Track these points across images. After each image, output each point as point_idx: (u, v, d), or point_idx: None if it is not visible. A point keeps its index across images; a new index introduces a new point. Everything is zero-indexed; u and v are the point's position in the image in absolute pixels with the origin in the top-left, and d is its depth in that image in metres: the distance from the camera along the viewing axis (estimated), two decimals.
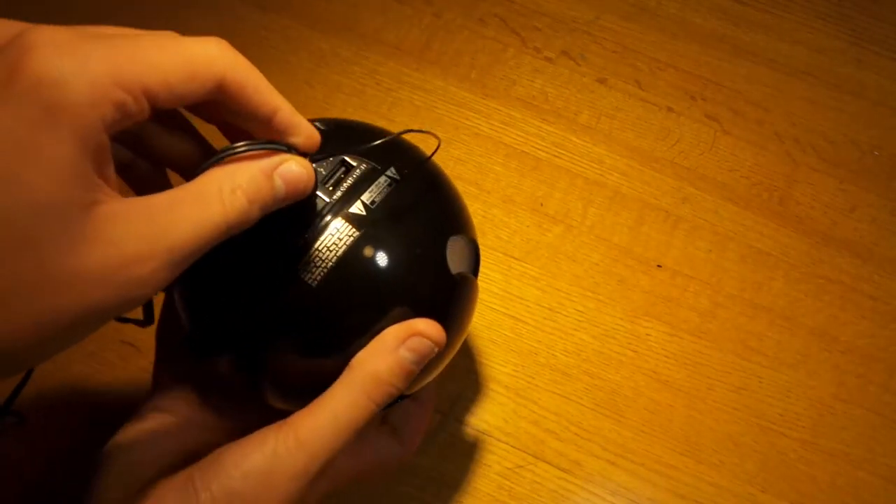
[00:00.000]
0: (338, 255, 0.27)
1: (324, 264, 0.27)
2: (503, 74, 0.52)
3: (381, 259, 0.28)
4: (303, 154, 0.27)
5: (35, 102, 0.20)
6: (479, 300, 0.45)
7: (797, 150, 0.51)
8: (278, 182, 0.25)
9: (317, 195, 0.28)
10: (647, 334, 0.45)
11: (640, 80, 0.53)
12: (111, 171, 0.22)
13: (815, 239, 0.48)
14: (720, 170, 0.50)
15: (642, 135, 0.51)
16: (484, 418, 0.42)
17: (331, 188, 0.29)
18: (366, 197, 0.29)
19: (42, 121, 0.20)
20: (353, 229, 0.28)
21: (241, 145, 0.25)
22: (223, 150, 0.25)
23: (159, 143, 0.29)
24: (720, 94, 0.52)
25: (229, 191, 0.23)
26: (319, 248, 0.28)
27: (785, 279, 0.47)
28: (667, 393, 0.43)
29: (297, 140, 0.26)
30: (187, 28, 0.53)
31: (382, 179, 0.29)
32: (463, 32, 0.54)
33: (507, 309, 0.45)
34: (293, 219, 0.27)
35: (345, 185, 0.29)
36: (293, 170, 0.25)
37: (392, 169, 0.30)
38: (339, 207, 0.28)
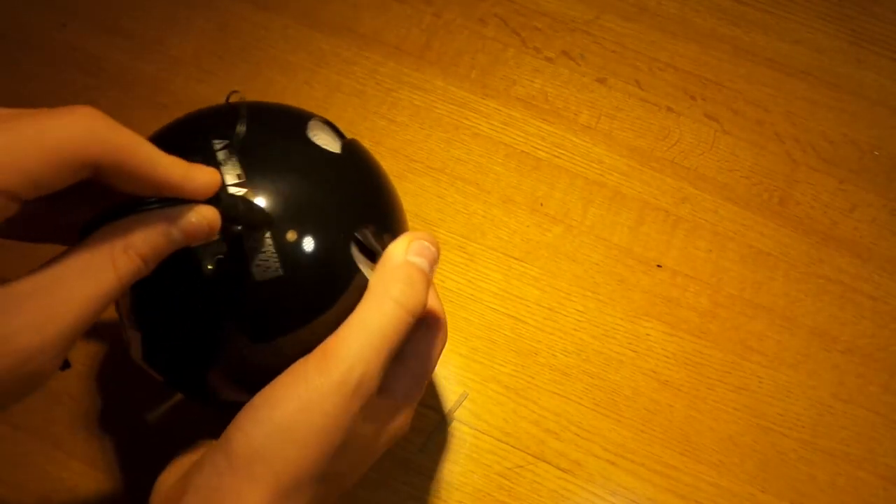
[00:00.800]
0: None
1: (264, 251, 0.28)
2: (503, 74, 0.52)
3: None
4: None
5: None
6: (479, 300, 0.45)
7: (797, 149, 0.51)
8: (177, 236, 0.25)
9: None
10: (647, 334, 0.45)
11: (639, 79, 0.53)
12: None
13: (814, 239, 0.48)
14: (720, 170, 0.50)
15: (642, 135, 0.51)
16: (484, 418, 0.42)
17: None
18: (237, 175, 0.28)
19: None
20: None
21: (127, 206, 0.24)
22: (113, 209, 0.24)
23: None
24: (720, 94, 0.52)
25: (121, 251, 0.23)
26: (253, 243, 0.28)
27: (785, 279, 0.47)
28: (667, 393, 0.43)
29: (192, 190, 0.25)
30: (188, 28, 0.53)
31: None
32: (463, 32, 0.54)
33: (507, 309, 0.45)
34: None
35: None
36: (192, 222, 0.25)
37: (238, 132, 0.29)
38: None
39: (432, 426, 0.42)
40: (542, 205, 0.48)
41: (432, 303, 0.32)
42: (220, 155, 0.28)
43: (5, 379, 0.21)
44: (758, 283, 0.46)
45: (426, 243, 0.30)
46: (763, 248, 0.47)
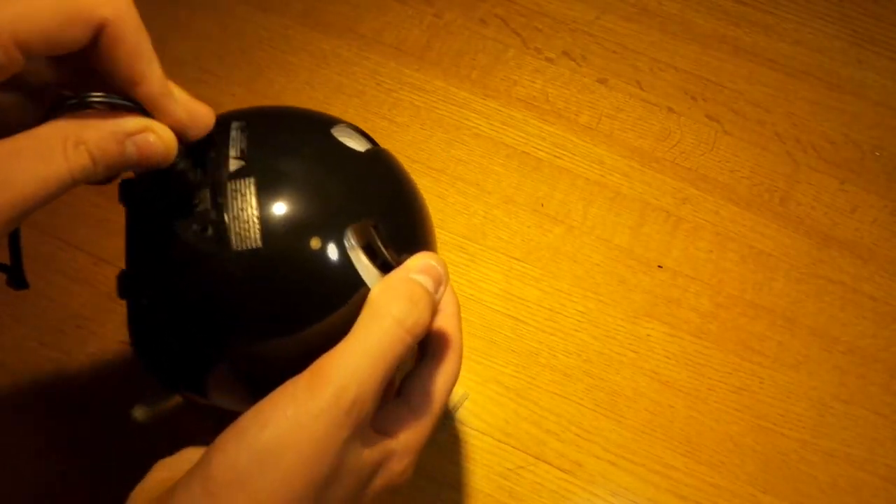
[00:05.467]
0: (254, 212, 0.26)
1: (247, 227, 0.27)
2: (504, 75, 0.52)
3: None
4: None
5: None
6: (480, 300, 0.45)
7: (798, 150, 0.51)
8: (130, 149, 0.24)
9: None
10: (648, 335, 0.45)
11: (640, 80, 0.53)
12: None
13: (815, 239, 0.48)
14: (721, 170, 0.50)
15: (643, 135, 0.51)
16: (485, 419, 0.42)
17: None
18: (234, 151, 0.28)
19: None
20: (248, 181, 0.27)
21: (97, 96, 0.23)
22: (77, 97, 0.23)
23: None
24: (721, 95, 0.52)
25: (73, 145, 0.22)
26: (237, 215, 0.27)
27: (786, 280, 0.47)
28: (668, 394, 0.43)
29: (171, 107, 0.25)
30: (188, 28, 0.53)
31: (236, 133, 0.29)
32: (464, 33, 0.54)
33: (508, 309, 0.45)
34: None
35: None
36: (150, 141, 0.24)
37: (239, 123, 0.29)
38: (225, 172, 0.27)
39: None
40: (542, 205, 0.48)
41: (446, 328, 0.31)
42: (234, 132, 0.28)
43: None
44: (759, 283, 0.46)
45: (432, 262, 0.28)
46: (764, 248, 0.47)
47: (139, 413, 0.37)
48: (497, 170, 0.49)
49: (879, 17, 0.55)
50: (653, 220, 0.48)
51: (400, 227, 0.30)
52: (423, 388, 0.30)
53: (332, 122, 0.32)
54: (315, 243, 0.27)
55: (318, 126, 0.31)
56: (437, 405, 0.30)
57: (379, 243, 0.28)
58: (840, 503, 0.41)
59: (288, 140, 0.29)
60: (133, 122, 0.24)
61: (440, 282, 0.28)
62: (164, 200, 0.27)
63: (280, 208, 0.27)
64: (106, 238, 0.45)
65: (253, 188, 0.27)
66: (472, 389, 0.43)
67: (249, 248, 0.26)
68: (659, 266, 0.47)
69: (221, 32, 0.53)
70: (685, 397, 0.43)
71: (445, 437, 0.42)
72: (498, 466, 0.41)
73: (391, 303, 0.26)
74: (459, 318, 0.32)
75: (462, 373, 0.43)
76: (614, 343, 0.44)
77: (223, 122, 0.28)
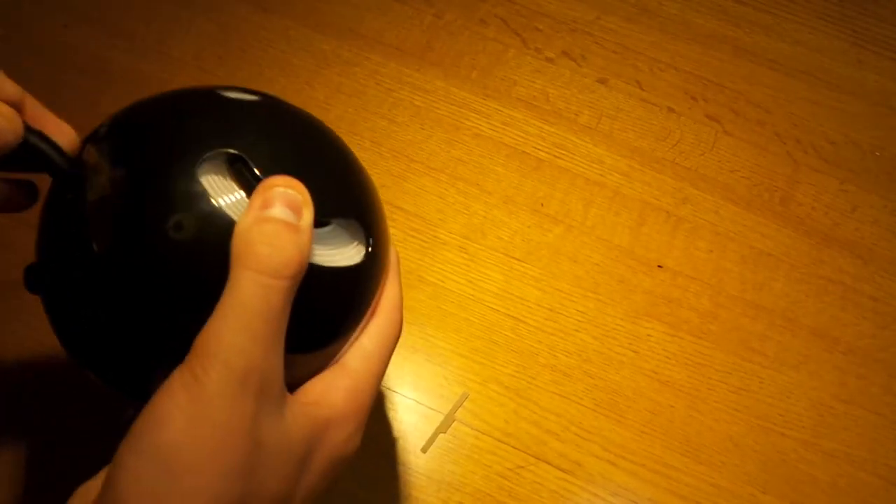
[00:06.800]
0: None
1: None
2: (504, 75, 0.52)
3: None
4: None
5: None
6: (479, 300, 0.45)
7: (798, 150, 0.51)
8: None
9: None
10: (648, 335, 0.45)
11: (640, 80, 0.53)
12: None
13: (816, 239, 0.48)
14: (721, 170, 0.50)
15: (643, 135, 0.51)
16: (484, 419, 0.42)
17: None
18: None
19: None
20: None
21: None
22: None
23: None
24: (721, 95, 0.52)
25: None
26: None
27: (786, 280, 0.47)
28: (668, 393, 0.43)
29: None
30: (189, 29, 0.53)
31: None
32: (464, 33, 0.54)
33: (508, 309, 0.45)
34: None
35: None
36: None
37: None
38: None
39: (433, 426, 0.42)
40: (542, 205, 0.48)
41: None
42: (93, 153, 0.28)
43: None
44: (759, 283, 0.46)
45: (280, 189, 0.24)
46: (764, 248, 0.47)
47: (135, 413, 0.37)
48: (497, 170, 0.49)
49: (879, 17, 0.55)
50: (653, 220, 0.48)
51: (276, 155, 0.26)
52: (358, 349, 0.27)
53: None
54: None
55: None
56: (376, 365, 0.27)
57: (231, 180, 0.25)
58: (840, 503, 0.41)
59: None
60: None
61: (298, 205, 0.24)
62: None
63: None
64: None
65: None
66: (472, 389, 0.43)
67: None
68: (659, 266, 0.47)
69: (222, 33, 0.53)
70: (685, 397, 0.43)
71: (445, 438, 0.42)
72: (498, 466, 0.41)
73: (246, 255, 0.23)
74: (396, 272, 0.30)
75: (462, 373, 0.43)
76: (614, 343, 0.44)
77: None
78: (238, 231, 0.23)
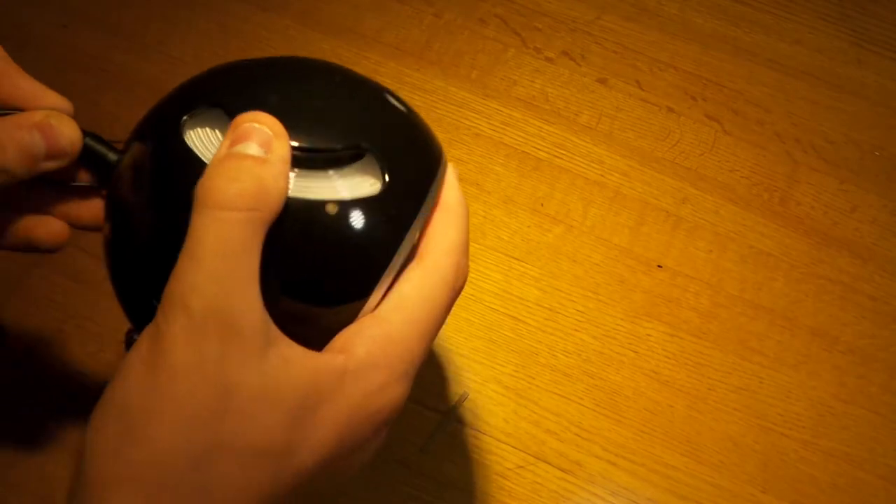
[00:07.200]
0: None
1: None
2: (504, 75, 0.52)
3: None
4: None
5: None
6: (479, 300, 0.45)
7: (798, 150, 0.51)
8: (37, 137, 0.25)
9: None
10: (648, 335, 0.45)
11: (640, 80, 0.53)
12: None
13: (815, 239, 0.48)
14: (721, 170, 0.50)
15: (643, 135, 0.51)
16: (484, 419, 0.42)
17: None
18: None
19: None
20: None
21: None
22: None
23: None
24: (721, 95, 0.52)
25: None
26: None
27: (785, 279, 0.47)
28: (667, 393, 0.43)
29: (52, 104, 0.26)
30: (188, 28, 0.53)
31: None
32: (463, 33, 0.54)
33: (508, 309, 0.45)
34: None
35: None
36: (52, 124, 0.25)
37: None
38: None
39: (432, 426, 0.42)
40: (542, 205, 0.48)
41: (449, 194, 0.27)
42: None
43: None
44: (758, 283, 0.46)
45: (247, 125, 0.23)
46: (764, 248, 0.47)
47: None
48: (497, 169, 0.49)
49: (879, 17, 0.55)
50: (652, 220, 0.48)
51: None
52: (394, 295, 0.25)
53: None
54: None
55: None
56: (416, 312, 0.24)
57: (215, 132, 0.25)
58: (840, 503, 0.41)
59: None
60: (34, 113, 0.25)
61: (265, 139, 0.23)
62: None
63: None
64: None
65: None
66: (471, 389, 0.43)
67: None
68: (658, 266, 0.47)
69: (221, 32, 0.53)
70: (685, 397, 0.43)
71: (445, 438, 0.42)
72: (497, 466, 0.41)
73: (208, 192, 0.22)
74: (457, 214, 0.28)
75: (461, 372, 0.43)
76: (614, 343, 0.44)
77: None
78: (207, 171, 0.23)
